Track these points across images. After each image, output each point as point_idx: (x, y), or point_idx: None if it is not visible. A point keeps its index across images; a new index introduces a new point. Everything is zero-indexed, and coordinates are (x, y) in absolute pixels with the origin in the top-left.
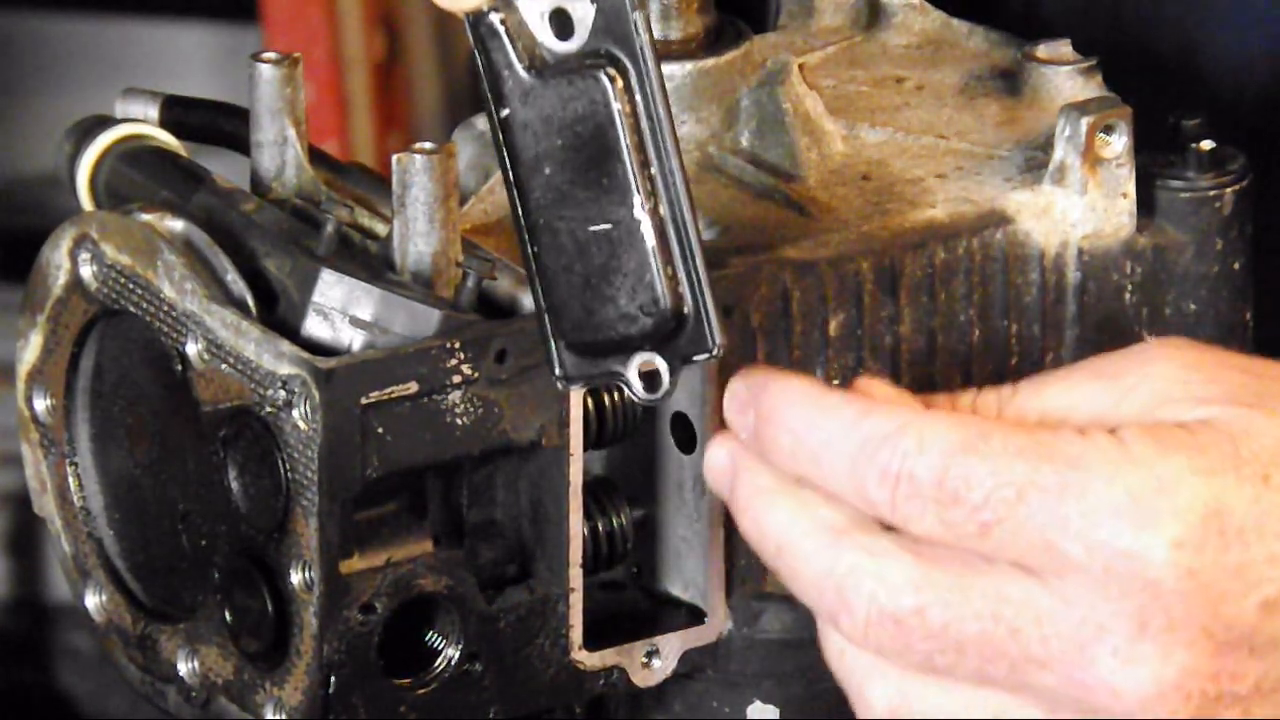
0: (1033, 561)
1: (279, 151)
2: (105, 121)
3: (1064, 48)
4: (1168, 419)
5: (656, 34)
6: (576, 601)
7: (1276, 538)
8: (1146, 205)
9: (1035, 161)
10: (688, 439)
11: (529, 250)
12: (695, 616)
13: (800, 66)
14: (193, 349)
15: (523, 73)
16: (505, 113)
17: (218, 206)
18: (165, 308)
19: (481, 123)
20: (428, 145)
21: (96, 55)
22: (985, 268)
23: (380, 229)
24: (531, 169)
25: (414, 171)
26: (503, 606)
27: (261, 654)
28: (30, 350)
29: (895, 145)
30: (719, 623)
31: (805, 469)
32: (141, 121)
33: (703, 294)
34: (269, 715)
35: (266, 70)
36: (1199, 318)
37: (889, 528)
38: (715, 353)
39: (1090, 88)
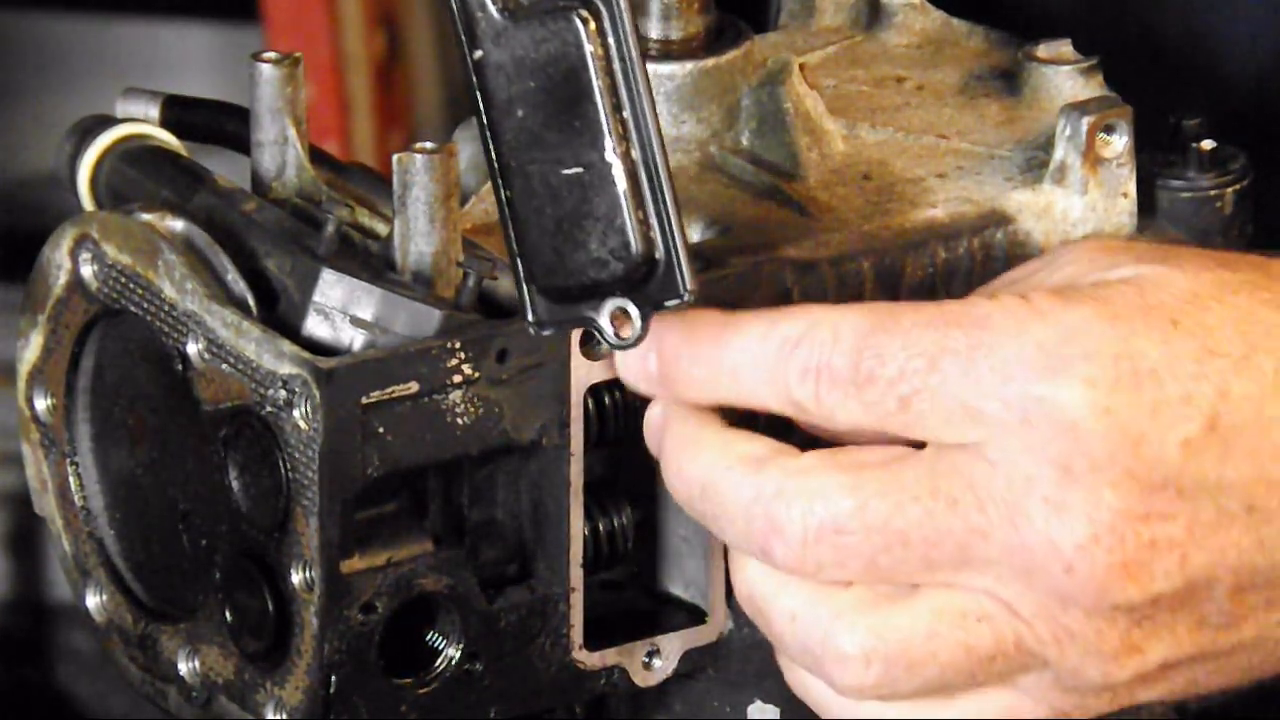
0: (955, 429)
1: (279, 151)
2: (106, 121)
3: (1064, 47)
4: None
5: (657, 34)
6: (577, 601)
7: (1191, 379)
8: (1147, 205)
9: (1036, 161)
10: None
11: (501, 195)
12: (696, 616)
13: (801, 66)
14: (193, 349)
15: (495, 14)
16: (478, 55)
17: (218, 206)
18: (166, 307)
19: None
20: (428, 145)
21: (96, 55)
22: (986, 268)
23: (381, 229)
24: (504, 112)
25: (415, 171)
26: (503, 606)
27: (262, 654)
28: (31, 350)
29: (896, 145)
30: (720, 622)
31: (724, 393)
32: (142, 121)
33: (674, 239)
34: (270, 715)
35: (267, 70)
36: None
37: (811, 443)
38: (686, 298)
39: (1091, 87)
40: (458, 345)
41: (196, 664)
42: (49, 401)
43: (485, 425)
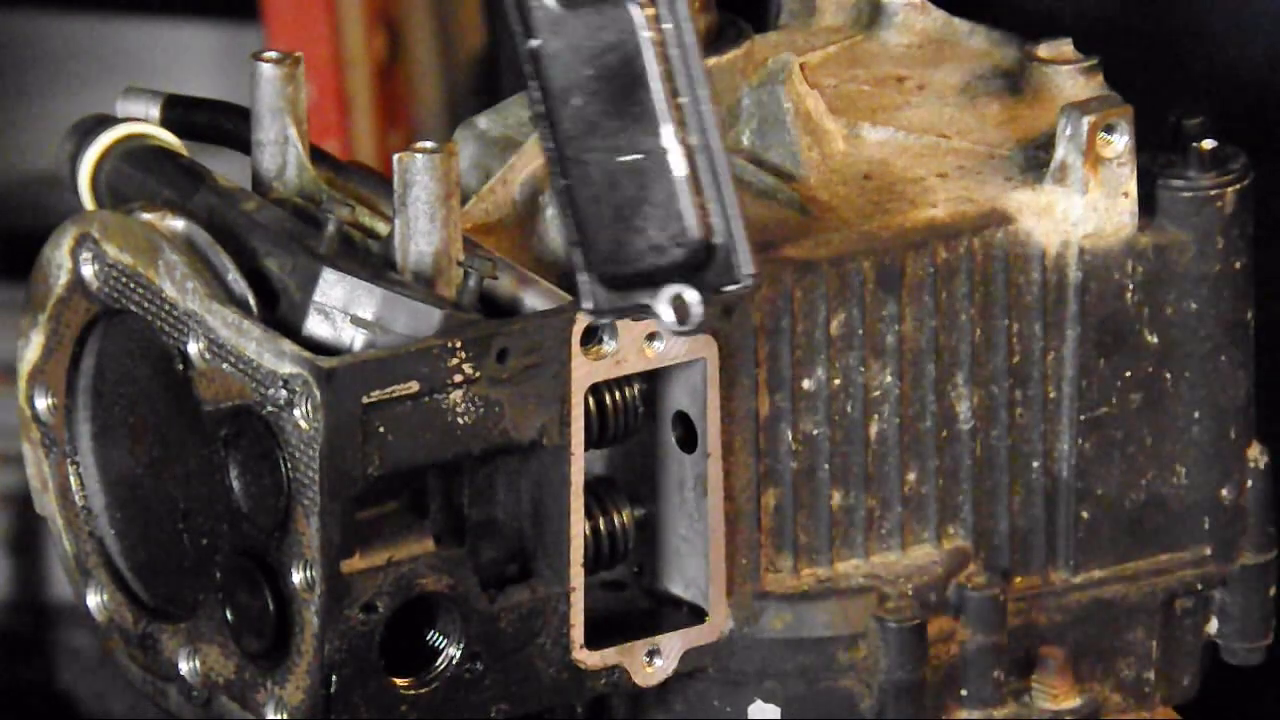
0: None
1: (280, 151)
2: (106, 121)
3: (1065, 47)
4: None
5: None
6: (577, 601)
7: None
8: (1148, 204)
9: (1036, 161)
10: (688, 438)
11: (559, 183)
12: (696, 616)
13: (801, 66)
14: (194, 348)
15: (552, 2)
16: (534, 44)
17: (219, 206)
18: (166, 307)
19: (483, 122)
20: (429, 144)
21: (97, 55)
22: (986, 267)
23: (382, 228)
24: (561, 100)
25: (415, 170)
26: (504, 606)
27: (263, 653)
28: (31, 349)
29: (896, 144)
30: (720, 622)
31: None
32: (142, 121)
33: (733, 224)
34: (270, 715)
35: (268, 69)
36: (1200, 317)
37: None
38: (745, 283)
39: (1091, 87)
40: (458, 345)
41: (197, 663)
42: (50, 401)
43: (486, 425)
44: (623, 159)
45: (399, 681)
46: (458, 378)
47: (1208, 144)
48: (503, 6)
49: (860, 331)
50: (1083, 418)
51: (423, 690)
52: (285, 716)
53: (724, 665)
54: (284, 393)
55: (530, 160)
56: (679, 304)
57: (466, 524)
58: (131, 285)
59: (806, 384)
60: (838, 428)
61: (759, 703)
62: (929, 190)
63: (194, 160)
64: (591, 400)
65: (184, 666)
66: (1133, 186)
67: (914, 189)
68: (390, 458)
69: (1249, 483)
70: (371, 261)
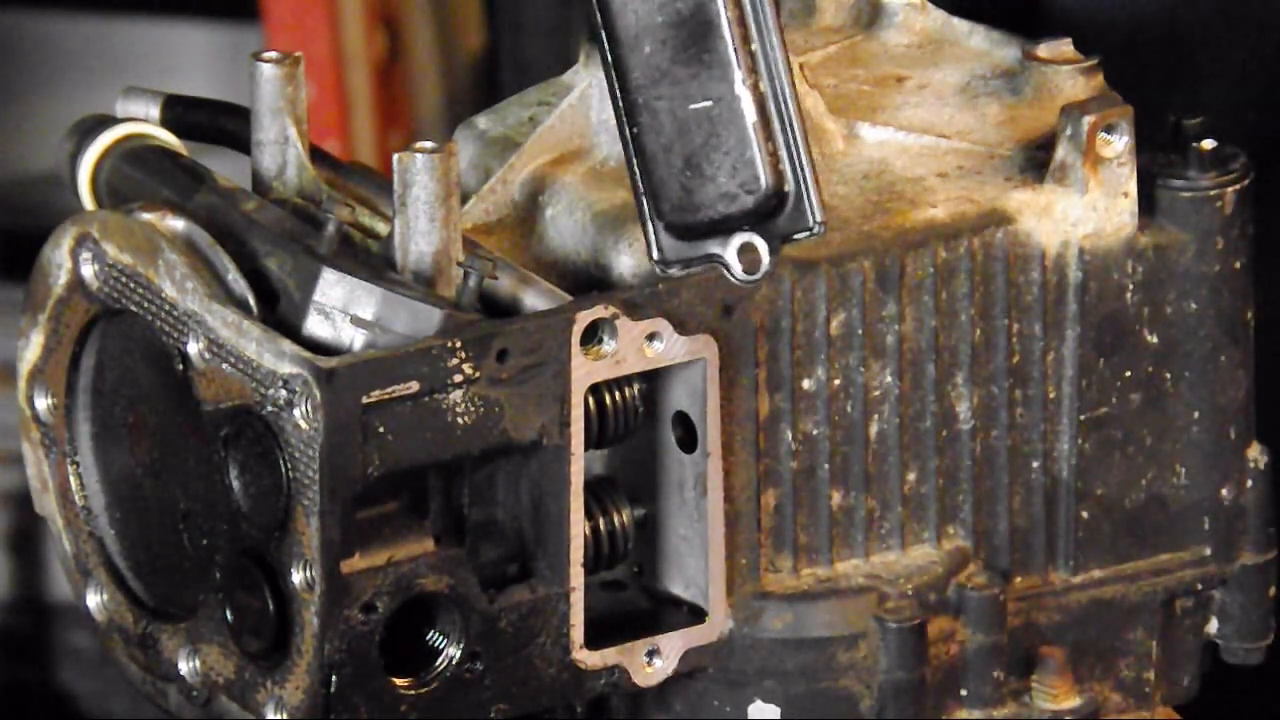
0: None
1: (280, 151)
2: (106, 121)
3: (1065, 47)
4: None
5: None
6: (577, 600)
7: None
8: (1148, 204)
9: (1036, 161)
10: (689, 438)
11: (628, 132)
12: (696, 616)
13: (801, 65)
14: (194, 348)
15: None
16: None
17: (219, 206)
18: (166, 307)
19: (482, 122)
20: (429, 144)
21: (96, 55)
22: (986, 267)
23: (381, 228)
24: (631, 48)
25: (415, 170)
26: (504, 606)
27: (263, 653)
28: (31, 349)
29: (896, 144)
30: (720, 622)
31: None
32: (142, 121)
33: (804, 171)
34: (270, 715)
35: (267, 69)
36: (1200, 317)
37: None
38: (816, 230)
39: (1091, 87)
40: (458, 345)
41: (197, 663)
42: (49, 401)
43: (485, 425)
44: (694, 106)
45: (399, 681)
46: (457, 378)
47: (1208, 144)
48: None
49: (860, 331)
50: (1083, 418)
51: (423, 690)
52: (285, 716)
53: (724, 665)
54: (284, 393)
55: (530, 160)
56: (748, 253)
57: (466, 524)
58: (131, 285)
59: (806, 384)
60: (838, 428)
61: (759, 703)
62: (929, 190)
63: (194, 160)
64: (591, 400)
65: (184, 666)
66: (1133, 186)
67: (914, 189)
68: (390, 458)
69: (1249, 483)
70: (371, 261)
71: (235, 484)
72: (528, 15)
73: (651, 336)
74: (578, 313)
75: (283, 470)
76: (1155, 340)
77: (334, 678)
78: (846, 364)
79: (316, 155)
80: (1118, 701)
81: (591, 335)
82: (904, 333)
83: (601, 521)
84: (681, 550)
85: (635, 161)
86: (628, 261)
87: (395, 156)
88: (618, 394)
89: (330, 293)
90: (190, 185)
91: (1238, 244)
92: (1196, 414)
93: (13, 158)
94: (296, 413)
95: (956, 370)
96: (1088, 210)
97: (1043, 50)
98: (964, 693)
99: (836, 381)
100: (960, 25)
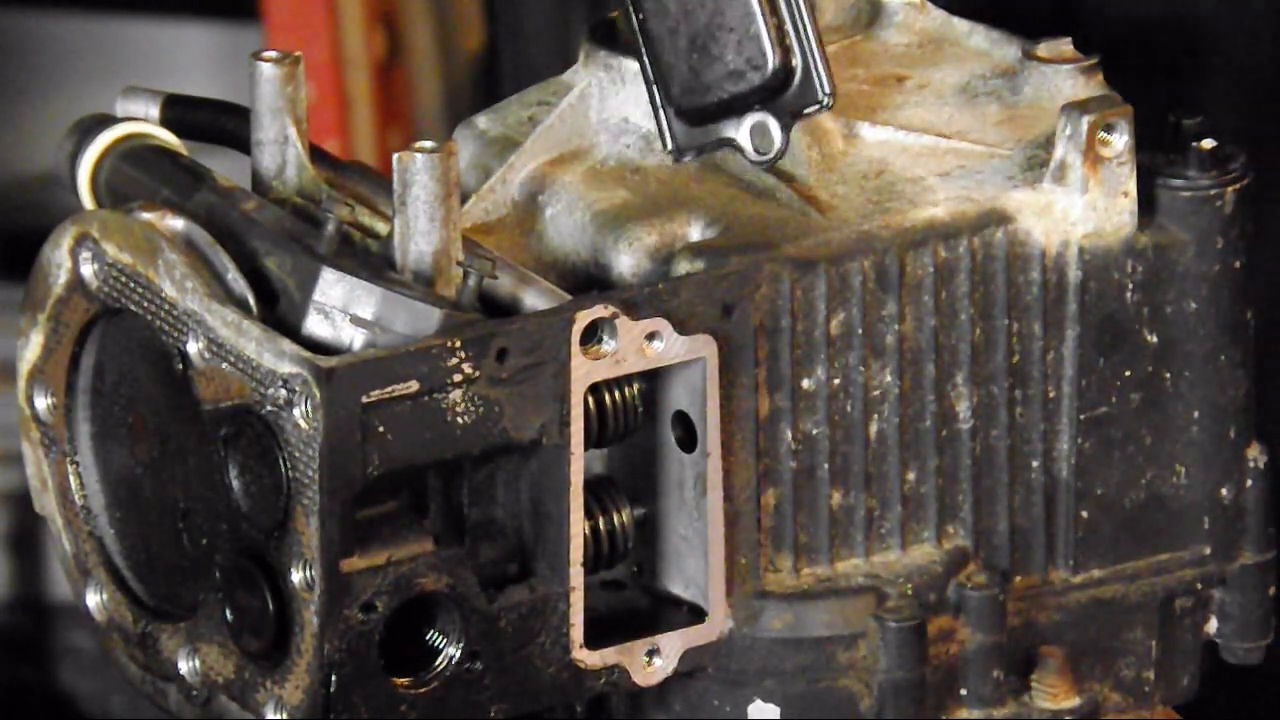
0: None
1: (280, 150)
2: (106, 120)
3: (1065, 46)
4: None
5: None
6: (577, 600)
7: None
8: (1148, 204)
9: (1036, 160)
10: (688, 438)
11: (634, 20)
12: (696, 615)
13: None
14: (193, 347)
15: None
16: None
17: (218, 205)
18: (166, 306)
19: (482, 121)
20: (428, 144)
21: (96, 54)
22: (986, 266)
23: (381, 228)
24: None
25: (415, 170)
26: (503, 605)
27: (262, 653)
28: (31, 349)
29: (896, 144)
30: (720, 622)
31: None
32: (142, 120)
33: (810, 44)
34: (270, 714)
35: (267, 69)
36: (1200, 316)
37: None
38: (826, 103)
39: (1091, 86)
40: (458, 344)
41: (197, 663)
42: (49, 400)
43: (485, 424)
44: None
45: (399, 681)
46: (457, 377)
47: (1207, 144)
48: None
49: (860, 331)
50: (1082, 417)
51: (422, 690)
52: (285, 716)
53: (724, 665)
54: (284, 392)
55: (530, 159)
56: (761, 132)
57: (466, 524)
58: (131, 285)
59: (806, 383)
60: (837, 427)
61: (759, 702)
62: (929, 190)
63: (194, 160)
64: (591, 400)
65: (183, 666)
66: (1132, 186)
67: (913, 188)
68: (390, 457)
69: (1249, 482)
70: (371, 261)
71: (235, 483)
72: (528, 15)
73: (651, 336)
74: (577, 312)
75: (282, 470)
76: (1155, 340)
77: (334, 677)
78: (846, 363)
79: (316, 155)
80: (1117, 701)
81: (591, 335)
82: (904, 332)
83: (601, 521)
84: (681, 550)
85: (644, 49)
86: (627, 261)
87: (395, 156)
88: (617, 393)
89: (330, 292)
90: (190, 185)
91: (1237, 243)
92: (1196, 414)
93: (13, 158)
94: (296, 412)
95: (956, 370)
96: (1087, 210)
97: (1043, 50)
98: (964, 692)
99: (836, 381)
100: (960, 25)
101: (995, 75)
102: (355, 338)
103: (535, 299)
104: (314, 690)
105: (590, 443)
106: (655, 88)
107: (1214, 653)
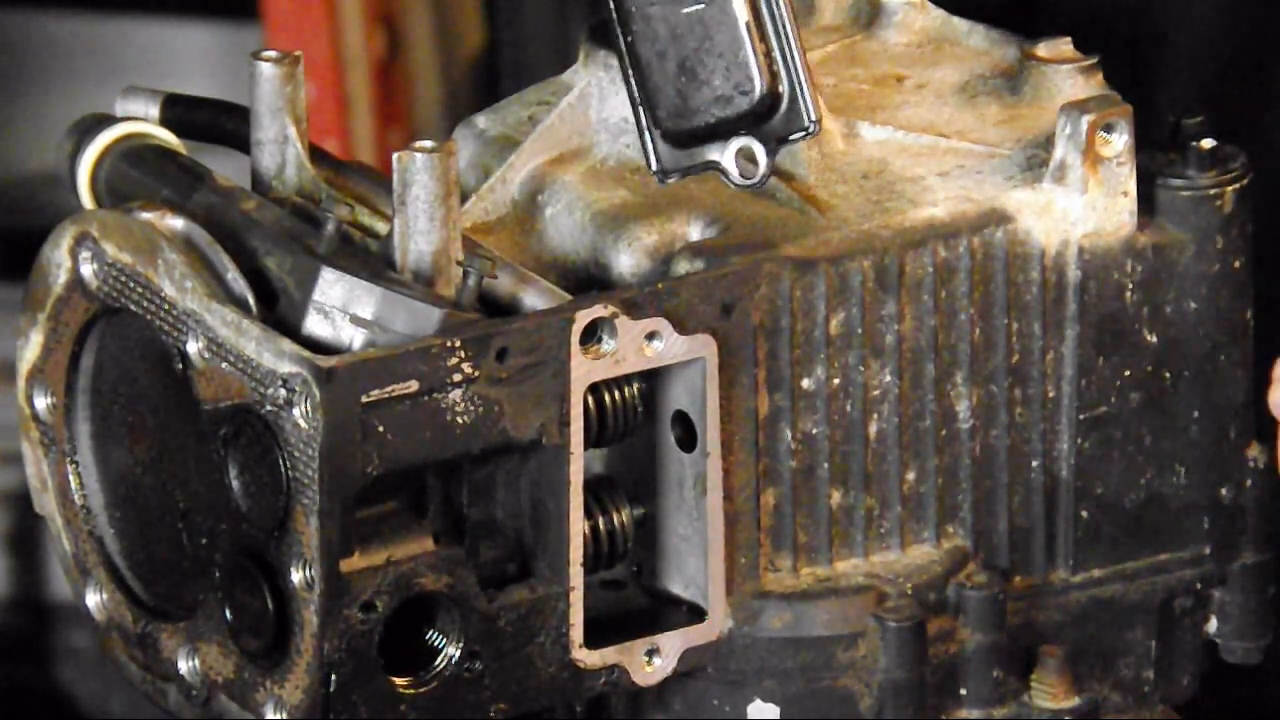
0: None
1: (279, 150)
2: (105, 120)
3: (1064, 46)
4: None
5: None
6: (577, 600)
7: None
8: (1147, 204)
9: (1036, 160)
10: (688, 438)
11: (622, 42)
12: (696, 615)
13: None
14: (193, 347)
15: None
16: None
17: (218, 205)
18: (166, 306)
19: (482, 121)
20: (428, 143)
21: (96, 54)
22: (986, 266)
23: (381, 227)
24: None
25: (415, 170)
26: (503, 605)
27: (262, 652)
28: (31, 349)
29: (896, 144)
30: (719, 621)
31: None
32: (142, 120)
33: (798, 71)
34: (269, 714)
35: (267, 68)
36: (1199, 316)
37: None
38: (811, 130)
39: (1091, 86)
40: (458, 344)
41: (196, 662)
42: (49, 400)
43: (485, 424)
44: (686, 10)
45: (398, 681)
46: (457, 377)
47: (1207, 143)
48: None
49: (859, 331)
50: (1082, 417)
51: (422, 689)
52: (285, 716)
53: (723, 664)
54: (283, 392)
55: (530, 159)
56: (746, 157)
57: (466, 523)
58: (131, 284)
59: (806, 383)
60: (837, 427)
61: (758, 702)
62: (928, 189)
63: (193, 160)
64: (591, 399)
65: (183, 666)
66: (1132, 186)
67: (913, 188)
68: (389, 457)
69: (1248, 482)
70: (371, 261)
71: (235, 483)
72: (528, 15)
73: (651, 336)
74: (577, 312)
75: (282, 469)
76: (1155, 340)
77: (333, 677)
78: (846, 363)
79: (316, 154)
80: (1117, 701)
81: (591, 334)
82: (903, 332)
83: (601, 521)
84: (681, 550)
85: (631, 71)
86: (627, 261)
87: (395, 156)
88: (617, 393)
89: (330, 292)
90: (189, 184)
91: (1237, 243)
92: (1196, 414)
93: (13, 158)
94: (296, 412)
95: (956, 369)
96: (1087, 209)
97: (1042, 49)
98: (963, 692)
99: (836, 381)
100: (960, 24)
101: (995, 75)
102: (355, 337)
103: (535, 299)
104: (314, 690)
105: (590, 442)
106: (642, 110)
107: (1214, 653)
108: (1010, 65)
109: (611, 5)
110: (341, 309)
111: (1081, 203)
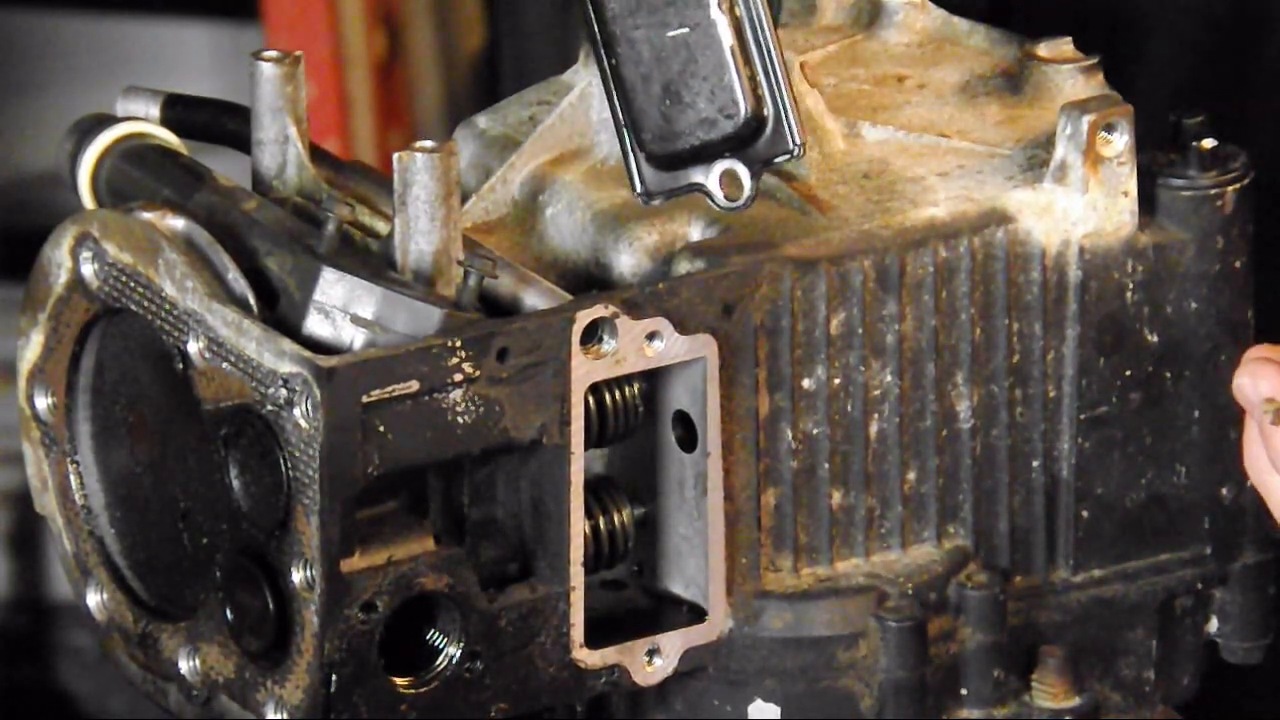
0: None
1: (280, 150)
2: (106, 120)
3: (1065, 46)
4: None
5: None
6: (577, 600)
7: None
8: (1148, 204)
9: (1037, 160)
10: (689, 438)
11: (606, 64)
12: (696, 615)
13: (801, 64)
14: (194, 347)
15: None
16: None
17: (219, 205)
18: (166, 306)
19: (482, 121)
20: (429, 144)
21: (97, 54)
22: (986, 266)
23: (381, 227)
24: None
25: (415, 170)
26: (504, 605)
27: (263, 652)
28: (32, 349)
29: (896, 144)
30: (720, 621)
31: None
32: (142, 120)
33: (782, 94)
34: (270, 714)
35: (267, 68)
36: (1200, 316)
37: None
38: (796, 153)
39: (1091, 86)
40: (458, 344)
41: (197, 662)
42: (50, 400)
43: (485, 424)
44: (671, 33)
45: (399, 681)
46: (457, 377)
47: (1208, 143)
48: None
49: (860, 331)
50: (1083, 417)
51: (422, 689)
52: (285, 716)
53: (724, 664)
54: (284, 392)
55: (530, 159)
56: (730, 180)
57: (466, 523)
58: (131, 284)
59: (806, 383)
60: (838, 427)
61: (759, 702)
62: (929, 189)
63: (194, 159)
64: (591, 399)
65: (184, 666)
66: (1133, 186)
67: (914, 188)
68: (390, 457)
69: (1249, 482)
70: (371, 261)
71: (235, 483)
72: (528, 15)
73: (651, 336)
74: (578, 312)
75: (283, 469)
76: (1155, 340)
77: (334, 677)
78: (847, 363)
79: (316, 154)
80: (1118, 701)
81: (591, 334)
82: (904, 332)
83: (601, 521)
84: (682, 550)
85: (615, 93)
86: (628, 261)
87: (395, 156)
88: (618, 393)
89: (330, 292)
90: (190, 184)
91: (1238, 243)
92: (1196, 413)
93: (13, 158)
94: (296, 412)
95: (956, 369)
96: (1088, 209)
97: (1042, 49)
98: (964, 692)
99: (837, 381)
100: (960, 24)
101: (995, 75)
102: (355, 337)
103: (535, 299)
104: (314, 690)
105: (590, 442)
106: (626, 132)
107: (1214, 653)
108: (1011, 65)
109: (595, 28)
110: (342, 309)
111: (1082, 203)
